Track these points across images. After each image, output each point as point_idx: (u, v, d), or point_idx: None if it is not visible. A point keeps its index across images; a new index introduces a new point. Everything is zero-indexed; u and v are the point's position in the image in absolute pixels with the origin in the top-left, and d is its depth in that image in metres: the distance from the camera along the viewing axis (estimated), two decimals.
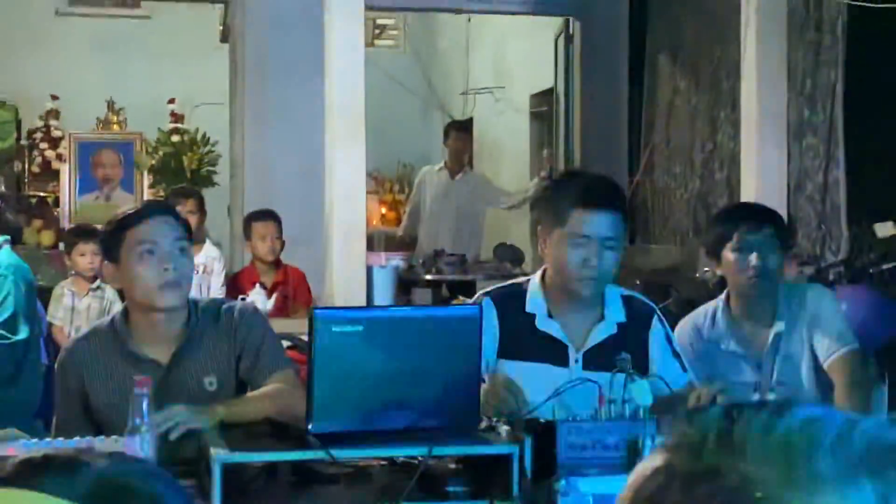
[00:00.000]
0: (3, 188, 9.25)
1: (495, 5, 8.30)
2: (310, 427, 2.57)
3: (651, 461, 0.86)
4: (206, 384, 3.02)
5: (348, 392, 2.63)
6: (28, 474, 0.94)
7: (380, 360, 2.64)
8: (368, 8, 6.12)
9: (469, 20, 10.61)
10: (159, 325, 3.05)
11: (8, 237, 4.24)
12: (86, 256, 5.97)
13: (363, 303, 5.76)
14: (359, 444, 2.61)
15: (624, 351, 2.94)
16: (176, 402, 2.78)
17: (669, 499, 0.82)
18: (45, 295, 5.77)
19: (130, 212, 3.07)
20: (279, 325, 5.73)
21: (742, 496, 0.78)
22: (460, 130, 9.14)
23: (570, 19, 8.38)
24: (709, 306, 3.88)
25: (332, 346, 2.60)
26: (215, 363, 3.04)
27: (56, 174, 9.75)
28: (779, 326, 3.73)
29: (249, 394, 2.99)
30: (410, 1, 8.25)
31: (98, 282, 5.96)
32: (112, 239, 3.05)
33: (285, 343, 4.71)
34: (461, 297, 6.83)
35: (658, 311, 3.34)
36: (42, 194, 9.86)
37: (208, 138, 9.25)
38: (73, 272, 6.10)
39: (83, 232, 6.17)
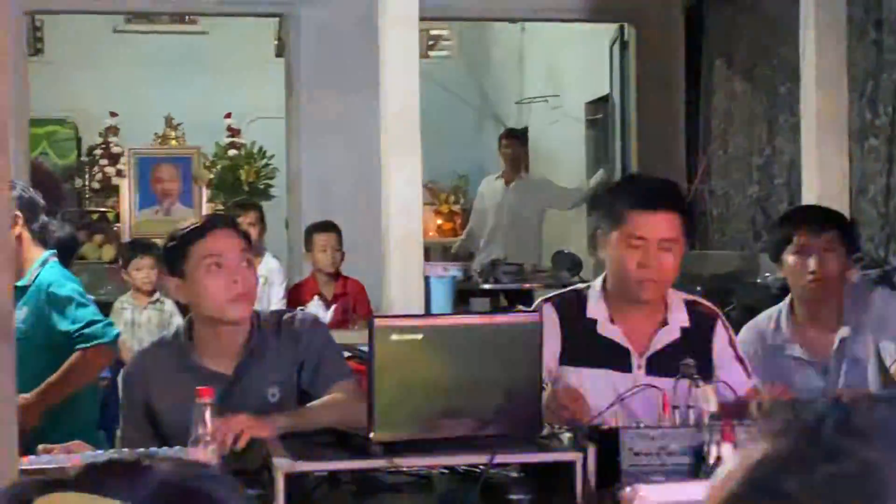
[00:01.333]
0: (60, 204, 9.35)
1: (549, 13, 8.28)
2: (371, 436, 2.56)
3: (753, 450, 0.84)
4: (268, 395, 3.02)
5: (409, 400, 2.62)
6: (92, 478, 0.94)
7: (440, 369, 2.63)
8: (422, 19, 6.11)
9: (523, 29, 10.60)
10: (224, 338, 3.06)
11: (53, 251, 4.25)
12: (142, 271, 6.03)
13: (420, 312, 5.75)
14: (420, 452, 2.60)
15: (687, 356, 2.90)
16: (240, 414, 2.79)
17: (786, 482, 0.80)
18: (105, 309, 5.82)
19: (194, 226, 3.09)
20: (339, 337, 5.73)
21: (867, 480, 0.77)
22: (512, 137, 9.14)
23: (625, 25, 8.34)
24: (772, 311, 3.84)
25: (392, 355, 2.59)
26: (278, 374, 3.05)
27: (116, 189, 9.86)
28: (844, 331, 3.68)
29: (311, 404, 2.99)
30: (464, 11, 8.23)
31: (157, 294, 6.00)
32: (176, 254, 3.06)
33: (345, 354, 4.72)
34: (520, 307, 6.80)
35: (722, 316, 3.30)
36: (102, 210, 9.97)
37: (265, 152, 9.30)
38: (133, 287, 6.15)
39: (139, 246, 6.23)
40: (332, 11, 7.54)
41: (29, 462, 2.61)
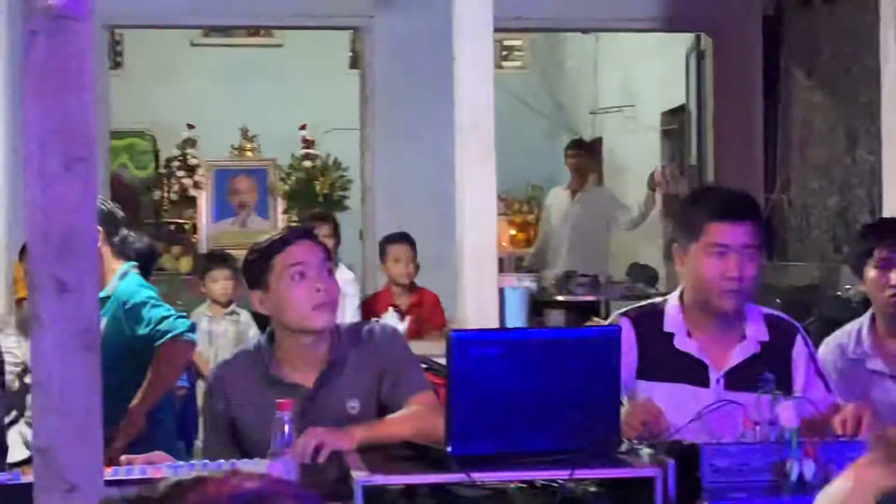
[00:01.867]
0: (138, 215, 9.49)
1: (625, 24, 8.23)
2: (449, 449, 2.56)
3: (873, 477, 0.83)
4: (348, 407, 3.03)
5: (487, 414, 2.62)
6: (177, 495, 0.95)
7: (518, 382, 2.62)
8: (496, 30, 6.12)
9: (597, 38, 10.56)
10: (306, 349, 3.07)
11: (133, 263, 4.32)
12: (219, 282, 6.08)
13: (496, 325, 5.74)
14: (498, 466, 2.59)
15: (767, 371, 2.87)
16: (319, 426, 2.80)
17: None
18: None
19: (276, 238, 3.11)
20: (413, 348, 5.77)
21: None
22: (576, 148, 9.12)
23: (702, 35, 8.27)
24: (854, 325, 3.78)
25: (471, 369, 2.59)
26: (358, 386, 3.06)
27: (193, 201, 9.97)
28: None
29: (390, 416, 2.99)
30: (538, 22, 8.22)
31: (233, 306, 6.06)
32: (258, 266, 3.09)
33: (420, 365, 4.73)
34: (596, 319, 6.78)
35: (802, 331, 3.26)
36: (180, 221, 10.09)
37: (339, 163, 9.36)
38: (210, 298, 6.21)
39: (216, 258, 6.29)
40: (406, 23, 7.57)
41: (112, 473, 2.64)
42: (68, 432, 2.07)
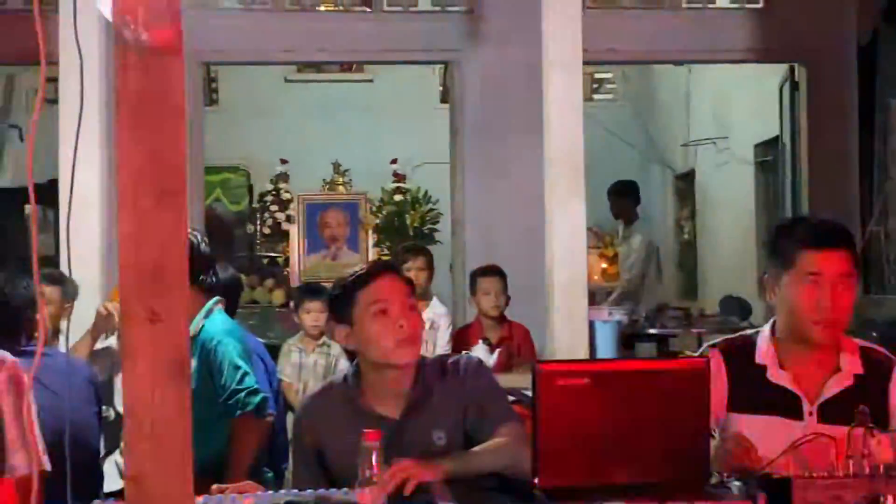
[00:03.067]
0: (232, 249, 9.62)
1: (718, 55, 8.18)
2: (536, 481, 2.55)
3: None
4: (435, 439, 3.03)
5: (575, 446, 2.61)
6: None
7: (605, 414, 2.60)
8: (587, 62, 6.12)
9: (689, 70, 10.50)
10: (392, 382, 3.08)
11: (218, 298, 4.36)
12: (311, 314, 6.13)
13: (584, 357, 5.71)
14: (586, 498, 2.57)
15: (862, 404, 2.81)
16: (406, 457, 2.81)
17: None
18: (274, 351, 5.94)
19: (360, 273, 3.14)
20: (503, 381, 5.74)
21: None
22: (612, 195, 9.20)
23: (796, 65, 8.18)
24: None
25: (557, 400, 2.58)
26: (444, 418, 3.06)
27: (286, 235, 10.07)
28: None
29: (476, 448, 2.98)
30: (629, 54, 8.20)
31: (324, 338, 6.09)
32: (343, 301, 3.12)
33: (510, 398, 4.72)
34: (687, 351, 6.70)
35: None
36: (273, 255, 10.21)
37: (430, 197, 9.40)
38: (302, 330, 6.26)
39: (310, 290, 6.34)
40: (496, 57, 7.60)
41: (203, 501, 2.67)
42: (159, 459, 2.10)
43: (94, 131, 5.44)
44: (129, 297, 2.11)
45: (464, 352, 5.84)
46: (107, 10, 2.02)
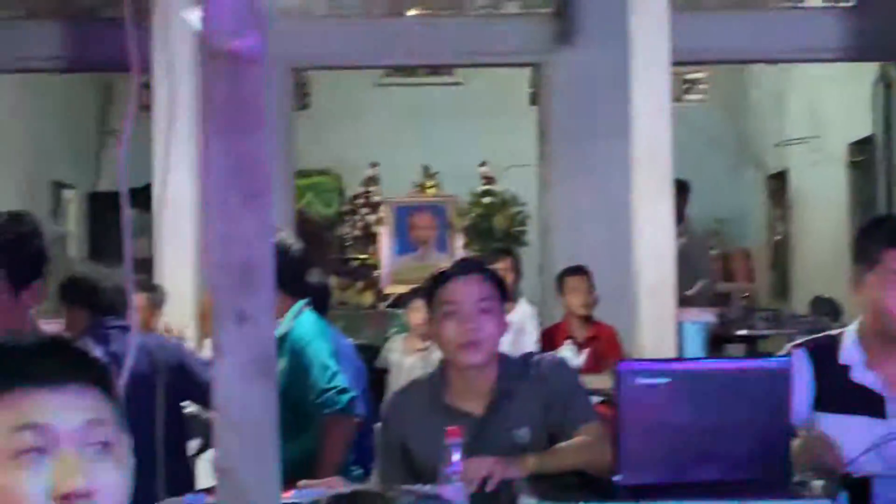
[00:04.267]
0: (323, 252, 9.71)
1: (811, 54, 8.08)
2: (618, 479, 2.58)
3: None
4: (517, 437, 3.07)
5: (656, 444, 2.62)
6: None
7: (688, 413, 2.62)
8: (676, 63, 6.11)
9: (781, 70, 10.39)
10: (471, 380, 3.13)
11: (306, 300, 4.43)
12: (419, 312, 6.18)
13: None
14: (667, 496, 2.59)
15: None
16: (489, 454, 2.85)
17: None
18: (364, 352, 5.99)
19: (441, 271, 3.20)
20: (590, 381, 5.77)
21: None
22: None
23: (891, 65, 8.07)
24: None
25: (639, 399, 2.60)
26: (526, 416, 3.09)
27: (375, 237, 10.18)
28: None
29: (558, 446, 3.02)
30: (720, 54, 8.14)
31: (428, 342, 6.14)
32: (428, 296, 3.20)
33: (596, 398, 4.73)
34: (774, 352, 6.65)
35: None
36: (362, 257, 10.31)
37: (517, 199, 9.43)
38: (394, 331, 6.32)
39: (419, 289, 6.39)
40: (585, 59, 7.60)
41: (290, 497, 2.74)
42: (248, 454, 2.17)
43: (186, 136, 5.56)
44: (218, 297, 2.19)
45: (551, 353, 5.92)
46: (194, 19, 2.10)
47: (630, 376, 2.62)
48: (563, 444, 3.02)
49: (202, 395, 3.80)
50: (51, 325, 6.36)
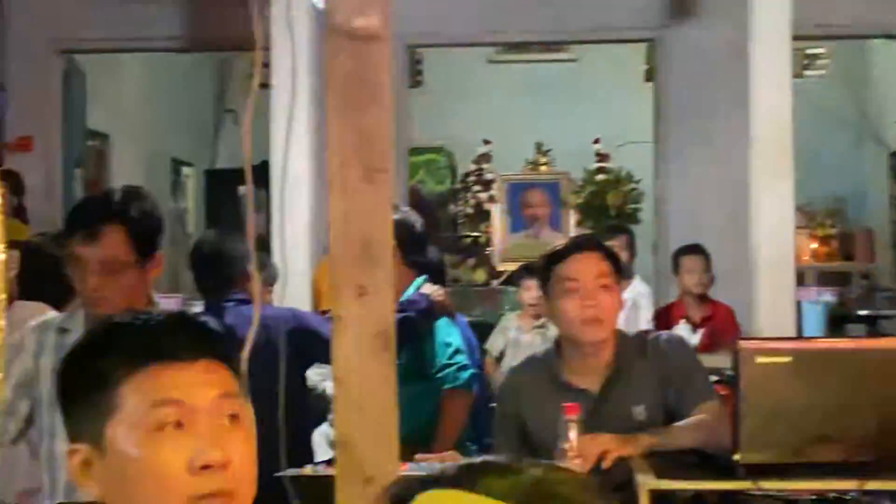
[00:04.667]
0: (436, 229, 9.72)
1: None
2: (736, 458, 2.56)
3: None
4: (634, 413, 3.06)
5: (776, 423, 2.60)
6: (468, 477, 1.02)
7: (808, 393, 2.59)
8: (796, 38, 5.99)
9: None
10: (588, 357, 3.12)
11: (426, 276, 4.45)
12: (531, 290, 6.18)
13: None
14: (787, 476, 2.57)
15: None
16: (605, 431, 2.85)
17: None
18: (477, 329, 5.99)
19: (558, 248, 3.20)
20: (707, 361, 5.69)
21: None
22: None
23: None
24: None
25: (759, 378, 2.58)
26: (643, 393, 3.08)
27: (488, 214, 10.17)
28: None
29: (676, 424, 3.00)
30: (841, 28, 7.96)
31: (542, 319, 6.14)
32: (543, 274, 3.20)
33: (713, 378, 4.68)
34: None
35: None
36: (475, 234, 10.31)
37: (632, 176, 9.35)
38: (507, 310, 6.33)
39: (530, 268, 6.39)
40: (702, 34, 7.49)
41: (407, 469, 2.77)
42: (366, 427, 2.20)
43: (305, 115, 5.60)
44: (339, 271, 2.22)
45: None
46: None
47: (750, 355, 2.60)
48: (680, 422, 3.00)
49: (327, 352, 3.84)
50: (169, 301, 6.52)
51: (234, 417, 1.52)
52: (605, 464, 2.73)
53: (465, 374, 4.23)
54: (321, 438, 4.68)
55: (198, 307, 6.48)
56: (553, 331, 6.03)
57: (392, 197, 2.24)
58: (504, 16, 7.67)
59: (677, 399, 3.06)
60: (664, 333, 3.25)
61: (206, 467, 1.46)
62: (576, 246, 3.21)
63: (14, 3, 7.41)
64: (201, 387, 1.51)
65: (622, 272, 3.28)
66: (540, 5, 7.69)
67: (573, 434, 2.58)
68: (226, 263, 3.99)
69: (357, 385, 2.19)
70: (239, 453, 1.50)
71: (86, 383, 1.52)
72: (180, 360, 1.51)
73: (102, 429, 1.48)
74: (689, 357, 3.16)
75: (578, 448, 2.59)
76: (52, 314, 3.21)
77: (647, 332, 3.31)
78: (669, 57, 7.69)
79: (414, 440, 3.71)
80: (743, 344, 2.63)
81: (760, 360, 2.58)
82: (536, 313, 6.15)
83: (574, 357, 3.14)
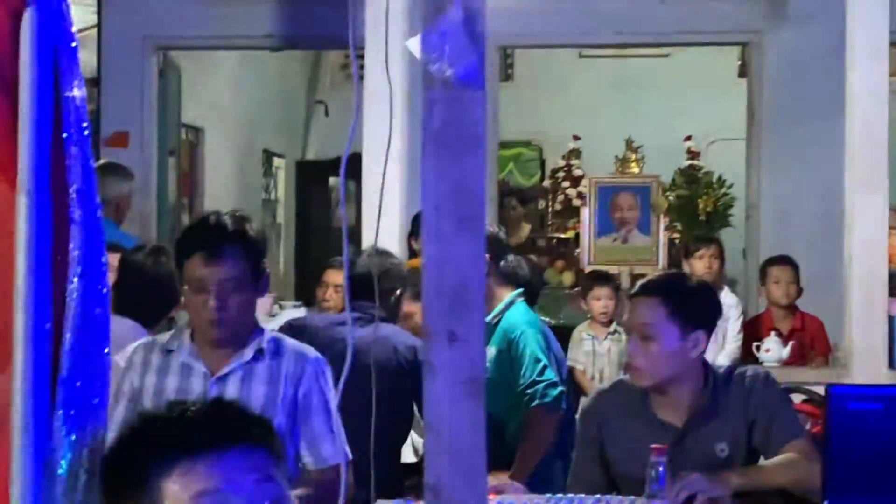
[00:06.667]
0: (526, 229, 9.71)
1: None
2: (825, 503, 2.54)
3: None
4: (717, 450, 3.04)
5: (866, 469, 2.58)
6: None
7: None
8: (893, 44, 5.89)
9: None
10: (673, 391, 3.11)
11: (519, 291, 4.45)
12: (600, 301, 6.16)
13: (883, 355, 5.54)
14: None
15: None
16: (687, 467, 2.83)
17: None
18: (563, 334, 5.98)
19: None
20: (795, 374, 5.66)
21: None
22: None
23: None
24: None
25: (850, 424, 2.56)
26: (728, 430, 3.06)
27: (576, 211, 10.14)
28: None
29: (763, 462, 2.98)
30: None
31: (614, 325, 6.12)
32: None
33: (799, 397, 4.64)
34: None
35: None
36: (562, 236, 10.27)
37: (724, 181, 9.25)
38: (590, 315, 6.30)
39: (598, 277, 6.38)
40: (799, 37, 7.38)
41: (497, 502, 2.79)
42: (456, 471, 2.21)
43: (398, 110, 5.59)
44: (430, 317, 2.23)
45: (755, 343, 5.82)
46: (415, 48, 2.14)
47: (841, 400, 2.58)
48: (769, 461, 2.98)
49: None
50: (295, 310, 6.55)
51: (275, 502, 1.54)
52: None
53: (555, 392, 4.23)
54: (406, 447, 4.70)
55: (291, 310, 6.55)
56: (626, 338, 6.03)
57: (484, 244, 2.25)
58: (597, 17, 7.62)
59: (764, 437, 3.03)
60: (750, 369, 3.20)
61: None
62: (639, 288, 3.20)
63: (111, 1, 7.54)
64: (238, 474, 1.52)
65: (696, 314, 3.14)
66: (632, 6, 7.63)
67: (662, 476, 2.57)
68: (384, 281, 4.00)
69: (447, 431, 2.21)
70: None
71: (126, 479, 1.55)
72: (216, 450, 1.52)
73: None
74: (776, 394, 3.13)
75: (667, 489, 2.59)
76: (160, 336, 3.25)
77: (733, 367, 3.26)
78: (764, 60, 7.59)
79: (496, 453, 3.73)
80: (834, 390, 2.61)
81: (852, 405, 2.55)
82: (608, 321, 6.14)
83: (656, 390, 3.13)
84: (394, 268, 4.12)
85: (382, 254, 4.17)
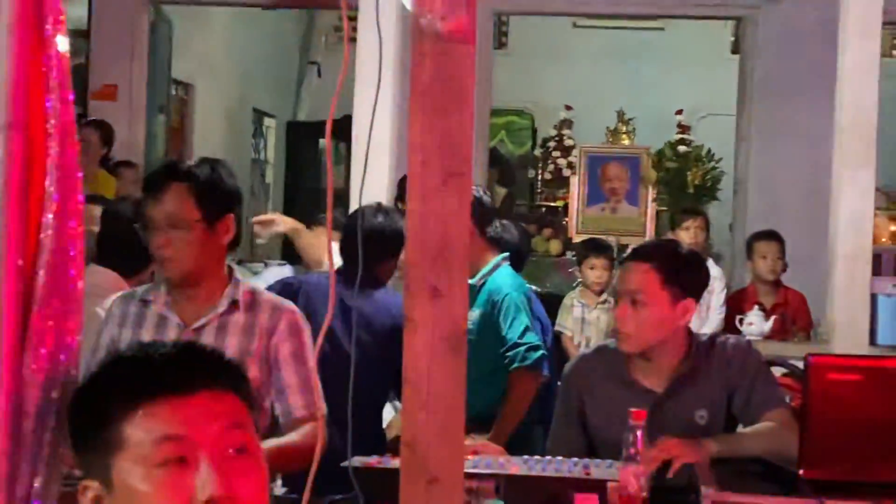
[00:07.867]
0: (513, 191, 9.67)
1: None
2: (801, 472, 2.55)
3: None
4: (696, 417, 3.05)
5: (843, 440, 2.59)
6: None
7: (878, 410, 2.57)
8: (887, 23, 5.88)
9: None
10: (655, 358, 3.12)
11: (505, 255, 4.45)
12: (595, 270, 6.15)
13: (865, 332, 5.55)
14: (851, 492, 2.55)
15: None
16: (666, 433, 2.84)
17: None
18: (551, 302, 5.98)
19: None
20: (776, 349, 5.68)
21: None
22: None
23: None
24: None
25: (828, 394, 2.56)
26: (707, 397, 3.07)
27: (566, 182, 10.13)
28: None
29: (743, 430, 2.99)
30: None
31: (605, 295, 6.12)
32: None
33: (780, 370, 4.65)
34: None
35: None
36: (552, 204, 10.27)
37: (712, 155, 9.26)
38: (579, 283, 6.30)
39: (595, 246, 6.36)
40: (792, 14, 7.38)
41: (472, 464, 2.78)
42: (433, 428, 2.21)
43: (389, 73, 5.56)
44: (413, 272, 2.23)
45: (738, 316, 5.84)
46: (408, 1, 2.12)
47: (821, 370, 2.58)
48: (747, 429, 2.98)
49: None
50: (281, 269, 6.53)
51: (242, 449, 1.51)
52: (671, 471, 2.72)
53: (535, 355, 4.22)
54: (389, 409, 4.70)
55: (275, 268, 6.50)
56: None
57: (470, 201, 2.24)
58: None
59: (744, 405, 3.04)
60: (732, 338, 3.22)
61: (209, 502, 1.45)
62: (631, 254, 3.21)
63: None
64: (205, 419, 1.49)
65: (687, 282, 3.14)
66: None
67: (639, 441, 2.57)
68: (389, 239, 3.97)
69: (426, 387, 2.21)
70: (246, 486, 1.48)
71: (92, 420, 1.52)
72: (182, 393, 1.49)
73: (110, 465, 1.49)
74: (757, 363, 3.13)
75: (643, 454, 2.59)
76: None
77: (715, 335, 3.26)
78: (757, 35, 7.58)
79: (476, 416, 3.73)
80: (814, 359, 2.61)
81: (831, 375, 2.56)
82: (600, 290, 6.14)
83: (640, 356, 3.14)
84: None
85: (387, 212, 4.13)
